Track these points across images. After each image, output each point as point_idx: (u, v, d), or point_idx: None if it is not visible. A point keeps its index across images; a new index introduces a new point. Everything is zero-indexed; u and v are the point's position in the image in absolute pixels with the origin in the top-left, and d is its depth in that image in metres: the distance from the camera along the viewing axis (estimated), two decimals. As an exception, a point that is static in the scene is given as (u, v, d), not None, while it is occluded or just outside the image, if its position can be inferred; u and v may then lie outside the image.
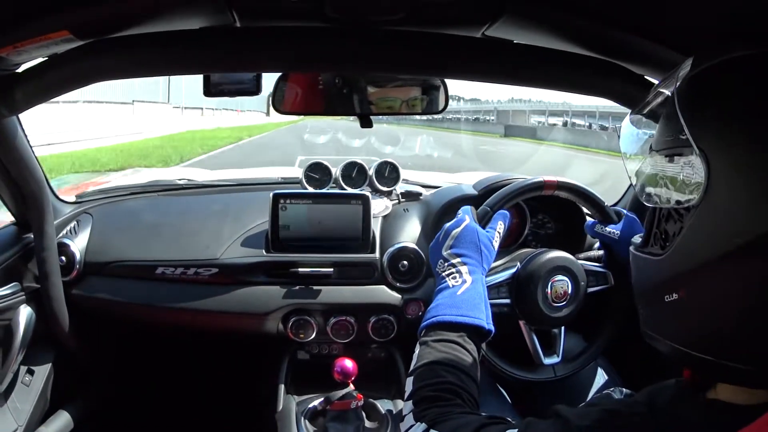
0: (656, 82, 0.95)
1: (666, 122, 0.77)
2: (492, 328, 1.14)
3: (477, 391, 1.04)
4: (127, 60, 1.12)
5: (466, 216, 1.33)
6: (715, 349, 0.70)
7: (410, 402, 1.01)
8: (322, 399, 1.64)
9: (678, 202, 0.73)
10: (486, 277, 1.52)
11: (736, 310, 0.67)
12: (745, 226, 0.64)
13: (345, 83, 1.48)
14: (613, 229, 1.57)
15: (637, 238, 0.88)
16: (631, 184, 0.90)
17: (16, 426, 1.66)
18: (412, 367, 1.08)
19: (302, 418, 1.63)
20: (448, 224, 1.33)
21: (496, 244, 1.32)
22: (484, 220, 1.48)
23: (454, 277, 1.19)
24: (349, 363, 1.57)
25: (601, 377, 1.68)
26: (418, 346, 1.12)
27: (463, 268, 1.20)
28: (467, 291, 1.16)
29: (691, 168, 0.70)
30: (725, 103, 0.69)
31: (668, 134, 0.75)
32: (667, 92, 0.77)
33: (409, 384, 1.05)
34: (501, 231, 1.35)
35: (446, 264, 1.23)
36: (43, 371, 1.81)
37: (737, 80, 0.69)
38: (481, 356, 1.51)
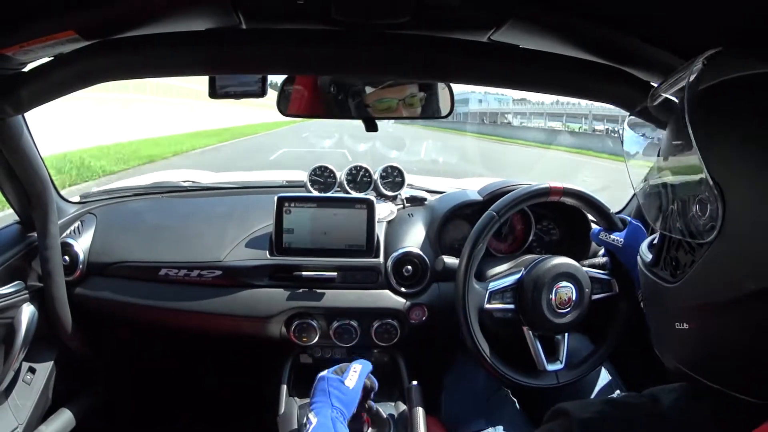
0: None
1: (675, 141, 0.71)
2: None
3: None
4: (132, 61, 1.12)
5: (325, 371, 1.43)
6: (724, 380, 0.68)
7: None
8: None
9: (690, 236, 0.68)
10: (489, 282, 1.53)
11: (747, 348, 0.65)
12: (761, 270, 0.61)
13: (339, 90, 1.48)
14: (618, 237, 1.56)
15: (645, 251, 0.84)
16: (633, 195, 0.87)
17: (17, 424, 1.66)
18: None
19: (304, 421, 1.63)
20: None
21: (351, 383, 1.37)
22: (489, 225, 1.49)
23: (305, 426, 1.27)
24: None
25: (604, 379, 1.67)
26: None
27: (311, 414, 1.28)
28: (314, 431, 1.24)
29: (705, 200, 0.65)
30: (745, 129, 0.63)
31: (678, 155, 0.71)
32: (674, 98, 0.74)
33: None
34: (357, 370, 1.40)
35: (304, 420, 1.30)
36: (44, 370, 1.81)
37: (761, 103, 0.63)
38: (487, 363, 1.52)
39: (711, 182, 0.63)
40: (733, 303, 0.64)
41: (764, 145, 0.61)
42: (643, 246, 0.86)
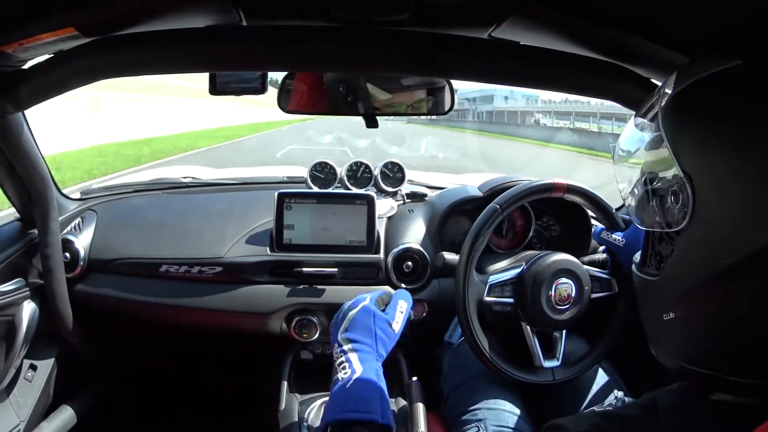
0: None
1: (652, 142, 0.77)
2: (389, 421, 1.06)
3: None
4: (132, 58, 1.12)
5: (367, 297, 1.27)
6: (716, 365, 0.70)
7: None
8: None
9: (668, 226, 0.73)
10: (490, 276, 1.52)
11: (730, 327, 0.68)
12: (731, 247, 0.65)
13: (349, 89, 1.48)
14: (619, 237, 1.56)
15: (637, 256, 0.89)
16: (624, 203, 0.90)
17: (18, 421, 1.67)
18: None
19: (340, 358, 1.63)
20: (347, 304, 1.26)
21: (398, 326, 1.25)
22: (492, 218, 1.49)
23: (344, 368, 1.12)
24: None
25: (602, 378, 1.67)
26: None
27: (353, 356, 1.14)
28: (357, 382, 1.09)
29: (678, 191, 0.70)
30: (705, 123, 0.69)
31: (654, 155, 0.76)
32: (654, 109, 0.77)
33: None
34: (404, 311, 1.28)
35: (339, 350, 1.17)
36: (45, 366, 1.81)
37: (716, 98, 0.68)
38: (484, 356, 1.51)
39: (681, 173, 0.69)
40: (711, 281, 0.67)
41: (722, 137, 0.67)
42: (637, 253, 0.90)
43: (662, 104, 0.73)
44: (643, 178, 0.79)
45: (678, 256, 0.72)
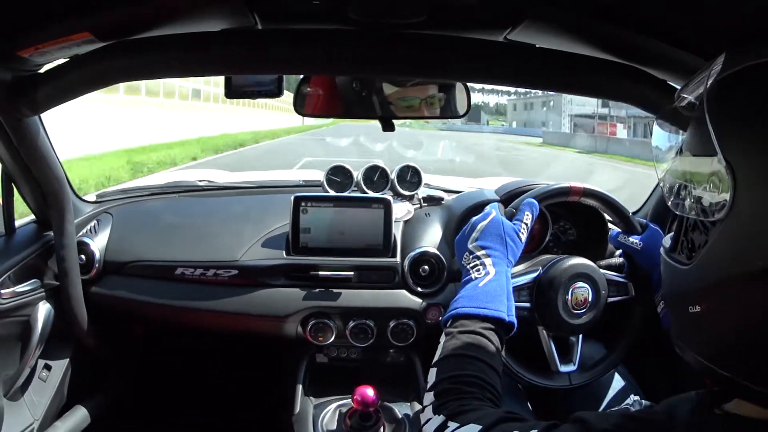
0: (678, 87, 0.93)
1: (695, 126, 0.74)
2: (514, 320, 1.14)
3: (499, 381, 1.04)
4: (147, 61, 1.12)
5: (493, 210, 1.33)
6: (736, 367, 0.68)
7: (431, 394, 1.02)
8: (344, 402, 1.66)
9: (704, 214, 0.71)
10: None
11: (754, 331, 0.66)
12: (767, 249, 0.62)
13: (363, 86, 1.47)
14: (636, 240, 1.55)
15: (667, 240, 0.86)
16: (652, 193, 0.88)
17: (33, 420, 1.68)
18: (435, 358, 1.09)
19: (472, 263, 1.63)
20: (475, 218, 1.33)
21: (524, 236, 1.31)
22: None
23: (478, 270, 1.20)
24: (369, 392, 1.52)
25: (618, 383, 1.66)
26: (442, 336, 1.13)
27: (487, 260, 1.21)
28: (489, 283, 1.17)
29: (718, 180, 0.67)
30: (755, 112, 0.66)
31: (696, 140, 0.73)
32: (696, 94, 0.74)
33: (432, 375, 1.06)
34: (528, 222, 1.34)
35: (471, 256, 1.24)
36: (60, 367, 1.82)
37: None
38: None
39: (723, 162, 0.65)
40: (741, 280, 0.65)
41: None
42: (667, 237, 0.88)
43: (707, 86, 0.70)
44: (681, 165, 0.77)
45: (711, 248, 0.70)
